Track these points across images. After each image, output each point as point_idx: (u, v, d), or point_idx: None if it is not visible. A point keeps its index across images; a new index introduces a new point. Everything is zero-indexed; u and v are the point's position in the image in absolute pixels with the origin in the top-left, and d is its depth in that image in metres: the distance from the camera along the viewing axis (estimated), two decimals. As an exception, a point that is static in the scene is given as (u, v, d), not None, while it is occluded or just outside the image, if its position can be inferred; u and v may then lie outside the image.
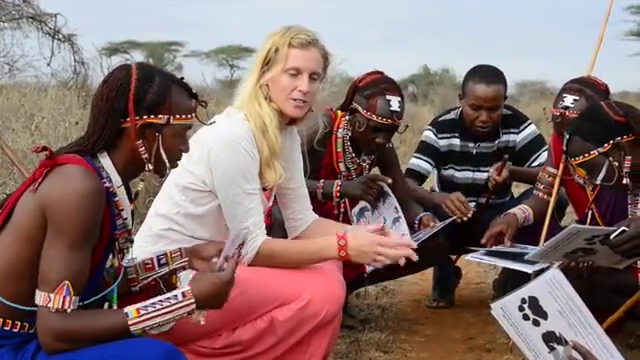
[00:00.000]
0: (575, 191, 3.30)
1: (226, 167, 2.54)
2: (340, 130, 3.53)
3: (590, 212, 3.11)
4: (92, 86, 10.23)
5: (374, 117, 3.41)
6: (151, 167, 2.06)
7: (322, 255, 2.57)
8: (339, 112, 3.57)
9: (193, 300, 1.99)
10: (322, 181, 3.42)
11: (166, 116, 2.06)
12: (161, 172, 2.12)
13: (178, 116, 2.08)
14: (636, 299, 2.90)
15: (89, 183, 1.93)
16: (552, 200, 3.36)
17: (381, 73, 3.56)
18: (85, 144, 2.04)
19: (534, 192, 3.48)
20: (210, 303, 2.02)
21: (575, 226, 2.66)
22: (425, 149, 4.00)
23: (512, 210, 3.38)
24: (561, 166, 3.33)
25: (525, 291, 2.18)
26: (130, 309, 1.94)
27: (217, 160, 2.54)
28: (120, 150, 2.06)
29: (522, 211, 3.38)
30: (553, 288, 2.15)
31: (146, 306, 1.95)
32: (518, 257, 2.99)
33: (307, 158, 3.21)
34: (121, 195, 2.06)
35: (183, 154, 2.13)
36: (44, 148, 2.00)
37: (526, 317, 2.17)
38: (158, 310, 1.95)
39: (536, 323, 2.17)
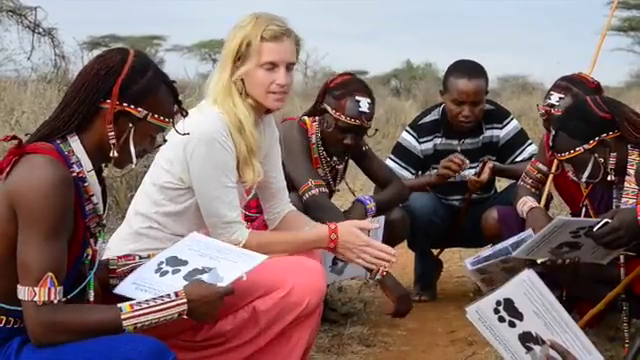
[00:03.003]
0: (568, 187, 3.29)
1: (203, 162, 2.52)
2: (313, 136, 3.52)
3: (584, 208, 3.12)
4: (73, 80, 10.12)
5: (342, 117, 3.40)
6: (116, 154, 2.04)
7: (312, 247, 2.61)
8: (307, 119, 3.54)
9: (185, 300, 2.00)
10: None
11: (145, 111, 2.05)
12: (122, 164, 2.10)
13: (157, 116, 2.07)
14: (617, 292, 2.92)
15: (54, 172, 1.91)
16: (543, 198, 3.36)
17: (352, 75, 3.56)
18: (60, 119, 2.01)
19: (522, 184, 3.43)
20: (202, 309, 2.03)
21: (560, 218, 2.67)
22: (403, 154, 3.97)
23: (534, 204, 3.25)
24: (555, 163, 3.32)
25: (500, 293, 2.19)
26: (124, 304, 1.96)
27: (193, 156, 2.52)
28: (91, 132, 2.04)
29: (537, 203, 3.29)
30: (528, 289, 2.15)
31: (140, 302, 1.97)
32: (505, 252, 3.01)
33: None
34: (91, 180, 2.04)
35: (147, 153, 2.13)
36: (13, 137, 1.99)
37: (502, 319, 2.17)
38: (151, 307, 1.97)
39: (512, 324, 2.17)
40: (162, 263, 2.20)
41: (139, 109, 2.04)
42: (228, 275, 2.12)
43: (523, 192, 3.37)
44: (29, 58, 10.94)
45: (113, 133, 2.03)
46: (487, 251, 3.11)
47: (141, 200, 2.66)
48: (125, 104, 2.03)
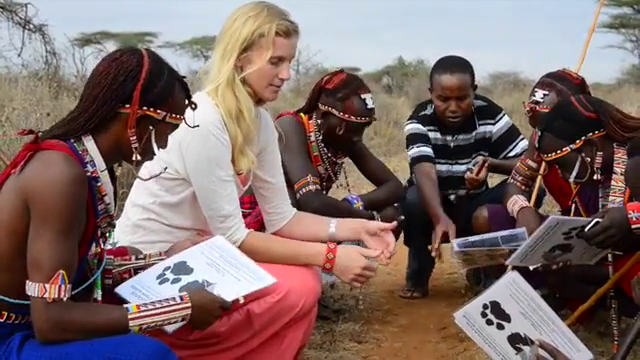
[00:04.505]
0: (558, 184, 3.31)
1: (198, 155, 2.52)
2: (312, 134, 3.52)
3: (574, 205, 3.14)
4: (64, 77, 10.10)
5: (353, 118, 3.43)
6: (139, 157, 2.06)
7: (307, 262, 2.60)
8: (303, 115, 3.54)
9: (189, 305, 2.01)
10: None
11: (164, 113, 2.06)
12: (140, 164, 2.11)
13: (174, 115, 2.08)
14: (606, 289, 2.94)
15: (70, 170, 1.91)
16: (534, 196, 3.37)
17: (344, 72, 3.56)
18: (79, 119, 2.01)
19: (512, 181, 3.44)
20: (201, 316, 2.04)
21: (554, 217, 2.67)
22: (420, 139, 3.89)
23: (524, 203, 3.26)
24: (543, 162, 3.32)
25: (486, 297, 2.19)
26: (130, 305, 1.98)
27: (188, 149, 2.52)
28: (107, 134, 2.04)
29: (527, 202, 3.30)
30: (513, 291, 2.16)
31: (146, 304, 1.99)
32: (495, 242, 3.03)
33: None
34: (104, 179, 2.05)
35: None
36: (30, 131, 1.99)
37: (490, 322, 2.18)
38: (157, 309, 1.98)
39: (500, 327, 2.17)
40: (168, 269, 2.19)
41: (159, 111, 2.05)
42: (225, 294, 2.11)
43: (513, 190, 3.37)
44: (20, 55, 10.90)
45: (135, 137, 2.04)
46: (476, 237, 3.12)
47: (138, 192, 2.66)
48: (145, 108, 2.04)
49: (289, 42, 2.57)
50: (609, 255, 2.88)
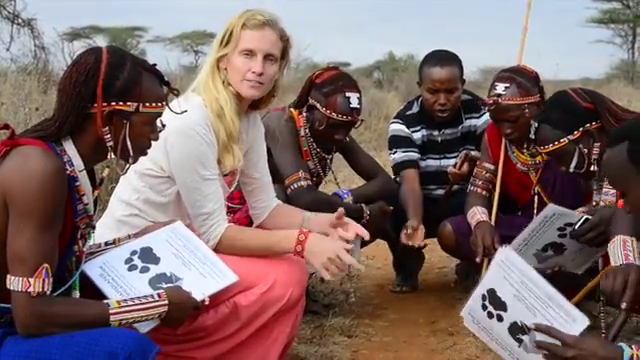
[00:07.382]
0: (515, 177, 3.37)
1: (181, 153, 2.52)
2: (302, 129, 3.52)
3: (536, 196, 3.19)
4: (53, 72, 10.05)
5: (334, 115, 3.41)
6: (113, 156, 2.03)
7: (281, 247, 2.56)
8: (293, 110, 3.53)
9: (167, 302, 2.04)
10: None
11: (135, 103, 2.02)
12: (128, 159, 2.09)
13: (148, 104, 2.04)
14: (596, 282, 2.95)
15: (48, 163, 1.89)
16: (496, 195, 3.41)
17: (337, 69, 3.55)
18: (51, 128, 2.00)
19: (472, 189, 3.50)
20: (176, 314, 2.07)
21: (552, 206, 2.67)
22: (403, 142, 3.92)
23: (481, 217, 3.34)
24: (502, 158, 3.39)
25: (483, 286, 2.17)
26: (111, 300, 2.00)
27: (173, 147, 2.53)
28: (85, 135, 2.02)
29: (486, 215, 3.37)
30: (506, 270, 2.11)
31: (126, 300, 2.01)
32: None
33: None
34: (83, 180, 2.03)
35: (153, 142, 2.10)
36: (6, 126, 1.97)
37: (490, 315, 2.15)
38: (136, 305, 2.00)
39: (499, 318, 2.14)
40: (135, 253, 2.22)
41: (128, 103, 2.01)
42: (193, 292, 2.14)
43: (473, 200, 3.44)
44: (8, 49, 10.87)
45: (109, 135, 2.01)
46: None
47: (123, 187, 2.67)
48: (113, 103, 2.00)
49: (258, 34, 2.58)
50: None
